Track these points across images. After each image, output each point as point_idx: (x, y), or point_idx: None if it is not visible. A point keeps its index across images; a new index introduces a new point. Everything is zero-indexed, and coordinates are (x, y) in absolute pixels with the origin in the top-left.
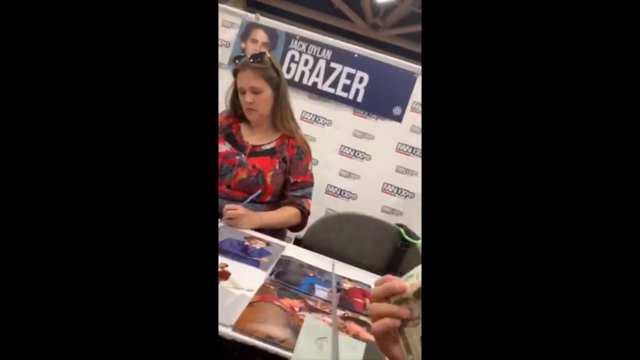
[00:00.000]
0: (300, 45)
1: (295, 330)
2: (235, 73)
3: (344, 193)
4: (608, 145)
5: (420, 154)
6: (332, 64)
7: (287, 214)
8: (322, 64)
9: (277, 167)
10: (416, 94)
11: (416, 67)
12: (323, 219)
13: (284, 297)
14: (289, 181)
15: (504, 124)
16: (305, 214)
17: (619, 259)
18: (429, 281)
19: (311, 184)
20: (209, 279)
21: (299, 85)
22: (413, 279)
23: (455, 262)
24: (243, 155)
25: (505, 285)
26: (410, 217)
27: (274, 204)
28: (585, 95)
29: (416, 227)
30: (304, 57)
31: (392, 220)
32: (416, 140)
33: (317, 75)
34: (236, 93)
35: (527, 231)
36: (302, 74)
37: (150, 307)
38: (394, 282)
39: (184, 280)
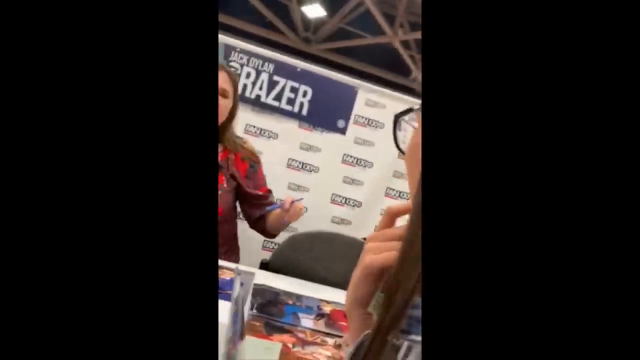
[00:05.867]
0: (241, 58)
1: None
2: None
3: None
4: (607, 148)
5: (365, 165)
6: (275, 77)
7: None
8: (264, 77)
9: (226, 186)
10: (357, 108)
11: (356, 82)
12: (289, 239)
13: (272, 334)
14: (252, 195)
15: (506, 142)
16: None
17: (618, 259)
18: (428, 282)
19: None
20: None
21: (242, 98)
22: None
23: (455, 265)
24: None
25: (505, 287)
26: (358, 226)
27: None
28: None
29: (366, 235)
30: (246, 69)
31: (342, 230)
32: (360, 152)
33: (260, 88)
34: None
35: (525, 243)
36: (245, 86)
37: (149, 313)
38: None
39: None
